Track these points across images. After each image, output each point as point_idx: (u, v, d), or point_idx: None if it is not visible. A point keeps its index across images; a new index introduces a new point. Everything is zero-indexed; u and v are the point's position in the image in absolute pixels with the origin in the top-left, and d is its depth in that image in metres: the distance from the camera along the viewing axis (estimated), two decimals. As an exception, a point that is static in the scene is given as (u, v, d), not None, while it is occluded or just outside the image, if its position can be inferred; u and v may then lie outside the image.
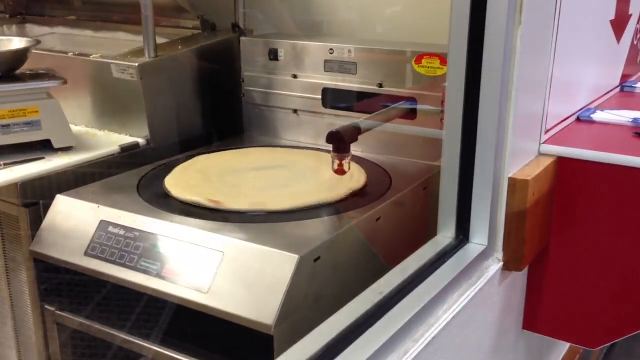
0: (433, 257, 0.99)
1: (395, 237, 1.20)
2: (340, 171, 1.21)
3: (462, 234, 1.04)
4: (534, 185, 1.03)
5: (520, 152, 1.07)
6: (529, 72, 1.03)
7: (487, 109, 0.98)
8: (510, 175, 1.03)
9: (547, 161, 1.11)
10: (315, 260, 0.99)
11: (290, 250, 0.96)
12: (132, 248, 1.08)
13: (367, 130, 1.28)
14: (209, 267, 1.00)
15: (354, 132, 1.23)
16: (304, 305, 0.98)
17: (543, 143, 1.15)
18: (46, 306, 1.20)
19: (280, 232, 1.05)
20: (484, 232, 1.03)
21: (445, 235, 1.06)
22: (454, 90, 1.00)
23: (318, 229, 1.07)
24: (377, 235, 1.15)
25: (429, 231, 1.28)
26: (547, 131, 1.16)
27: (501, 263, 1.05)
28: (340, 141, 1.20)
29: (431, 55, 1.32)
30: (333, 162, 1.21)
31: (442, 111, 1.32)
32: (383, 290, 0.89)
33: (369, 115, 1.33)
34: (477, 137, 1.00)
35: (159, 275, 1.04)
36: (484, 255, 1.03)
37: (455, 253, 1.01)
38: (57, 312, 1.19)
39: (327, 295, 1.02)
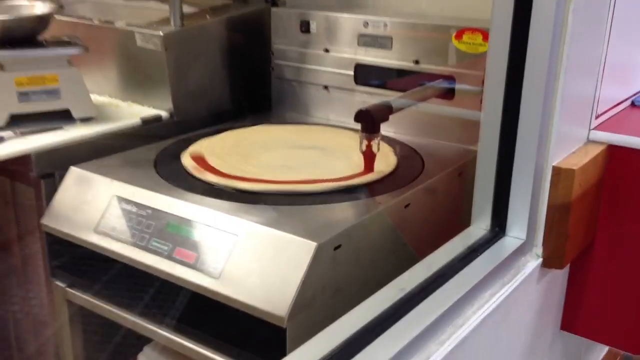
0: (464, 250, 0.91)
1: (426, 226, 1.12)
2: (368, 152, 1.13)
3: (498, 226, 0.96)
4: (580, 176, 0.94)
5: (566, 138, 0.97)
6: (581, 51, 0.93)
7: (532, 90, 0.88)
8: (554, 164, 0.93)
9: (597, 149, 1.01)
10: (336, 248, 0.91)
11: (308, 237, 0.89)
12: (144, 227, 1.02)
13: (400, 109, 1.19)
14: (221, 251, 0.94)
15: (385, 111, 1.15)
16: (321, 298, 0.90)
17: (593, 129, 1.04)
18: (56, 282, 1.16)
19: (300, 216, 0.97)
20: (523, 225, 0.94)
21: (480, 226, 0.97)
22: (495, 68, 0.90)
23: (341, 214, 1.00)
24: (406, 223, 1.07)
25: (462, 221, 1.19)
26: (597, 116, 1.06)
27: (540, 260, 0.95)
28: (369, 120, 1.11)
29: (473, 30, 1.22)
30: (361, 143, 1.12)
31: (482, 91, 1.23)
32: (405, 286, 0.80)
33: (402, 94, 1.24)
34: (520, 121, 0.90)
35: (169, 257, 0.98)
36: (521, 251, 0.94)
37: (489, 247, 0.92)
38: (68, 289, 1.14)
39: (347, 288, 0.95)
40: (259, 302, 0.88)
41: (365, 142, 1.12)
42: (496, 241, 0.94)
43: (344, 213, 1.00)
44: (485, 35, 1.21)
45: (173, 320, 1.01)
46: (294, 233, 0.90)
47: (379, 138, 1.13)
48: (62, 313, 1.18)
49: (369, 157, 1.14)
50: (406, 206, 1.06)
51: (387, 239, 1.03)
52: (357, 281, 0.97)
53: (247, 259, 0.92)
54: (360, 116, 1.11)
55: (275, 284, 0.88)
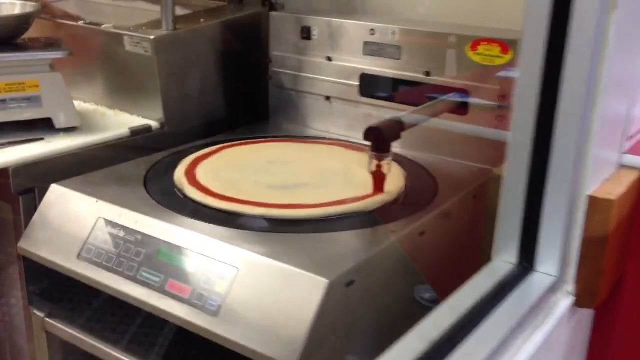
0: (491, 289, 0.81)
1: (441, 256, 1.03)
2: (378, 174, 1.04)
3: (526, 260, 0.86)
4: (618, 207, 0.85)
5: (601, 164, 0.88)
6: (621, 67, 0.85)
7: (569, 110, 0.79)
8: (590, 193, 0.85)
9: (631, 176, 0.92)
10: (349, 285, 0.82)
11: (318, 272, 0.80)
12: (133, 254, 0.92)
13: (412, 126, 1.10)
14: (220, 286, 0.84)
15: (397, 128, 1.05)
16: (332, 340, 0.81)
17: (624, 153, 0.96)
18: (35, 311, 1.05)
19: (307, 247, 0.88)
20: (554, 259, 0.85)
21: (504, 259, 0.88)
22: (526, 85, 0.81)
23: (352, 244, 0.90)
24: (421, 254, 0.98)
25: (479, 250, 1.10)
26: (629, 138, 0.97)
27: (572, 298, 0.87)
28: (380, 139, 1.02)
29: (490, 41, 1.13)
30: (371, 163, 1.03)
31: (499, 107, 1.14)
32: (430, 335, 0.71)
33: (414, 109, 1.15)
34: (554, 144, 0.81)
35: (161, 290, 0.88)
36: (552, 289, 0.85)
37: (518, 285, 0.83)
38: (47, 319, 1.04)
39: (359, 327, 0.85)
40: (262, 346, 0.78)
41: (375, 162, 1.03)
42: (525, 278, 0.85)
43: (355, 243, 0.91)
44: (503, 47, 1.12)
45: (161, 358, 0.92)
46: (302, 267, 0.81)
47: (390, 158, 1.03)
48: (40, 344, 1.08)
49: (379, 179, 1.04)
50: (421, 234, 0.97)
51: (401, 271, 0.94)
52: (370, 319, 0.88)
53: (249, 296, 0.82)
54: (370, 134, 1.02)
55: (281, 325, 0.78)
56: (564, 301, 0.86)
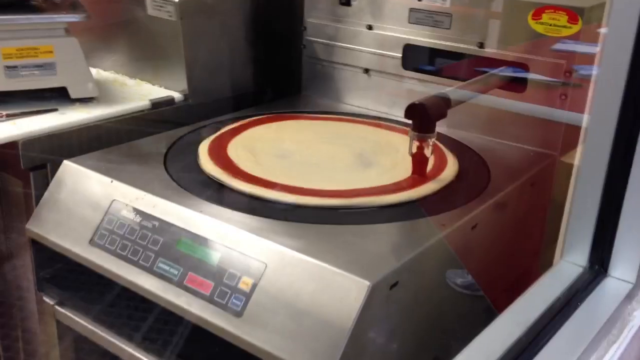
0: (559, 297, 0.70)
1: (495, 253, 0.91)
2: (419, 156, 0.92)
3: (599, 262, 0.75)
4: None
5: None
6: None
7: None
8: (679, 187, 0.72)
9: None
10: (392, 287, 0.71)
11: (359, 273, 0.69)
12: (149, 243, 0.82)
13: (459, 103, 0.98)
14: (245, 283, 0.74)
15: (442, 106, 0.94)
16: (372, 347, 0.71)
17: None
18: (45, 298, 0.97)
19: (345, 241, 0.77)
20: (632, 263, 0.73)
21: (572, 261, 0.76)
22: (614, 59, 0.69)
23: (396, 239, 0.79)
24: (473, 250, 0.86)
25: (538, 246, 0.99)
26: None
27: (651, 309, 0.75)
28: (424, 117, 0.90)
29: (556, 8, 1.00)
30: (411, 144, 0.92)
31: (563, 84, 1.02)
32: (492, 351, 0.60)
33: (461, 84, 1.03)
34: (642, 129, 0.69)
35: (179, 284, 0.78)
36: (628, 297, 0.73)
37: (589, 293, 0.72)
38: (57, 307, 0.95)
39: (401, 331, 0.75)
40: (291, 355, 0.68)
41: (416, 144, 0.92)
42: (597, 284, 0.73)
43: (399, 238, 0.80)
44: (571, 15, 0.99)
45: (178, 357, 0.82)
46: (340, 266, 0.70)
47: (433, 139, 0.92)
48: (51, 333, 0.99)
49: (420, 162, 0.93)
50: (473, 227, 0.86)
51: (450, 270, 0.83)
52: (414, 322, 0.78)
53: (277, 296, 0.72)
54: (412, 111, 0.90)
55: (314, 332, 0.68)
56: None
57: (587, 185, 0.73)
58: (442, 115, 0.93)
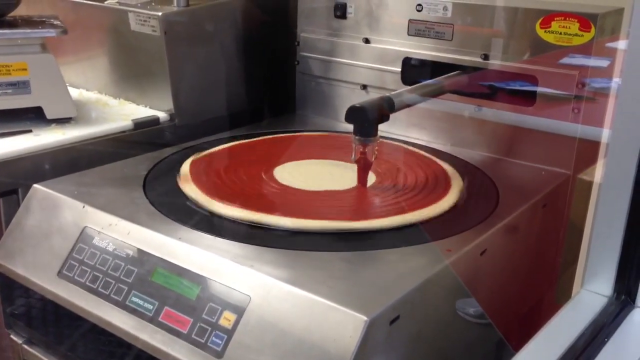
0: (583, 332, 0.62)
1: (506, 280, 0.83)
2: (362, 162, 0.88)
3: (625, 292, 0.67)
4: None
5: None
6: None
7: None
8: None
9: None
10: (393, 321, 0.63)
11: (355, 307, 0.60)
12: (122, 274, 0.74)
13: (406, 106, 0.93)
14: (227, 319, 0.65)
15: (384, 109, 0.89)
16: (371, 392, 0.62)
17: None
18: (12, 336, 0.88)
19: (340, 269, 0.69)
20: (663, 293, 0.65)
21: (595, 290, 0.68)
22: (637, 68, 0.61)
23: (398, 267, 0.71)
24: (482, 278, 0.78)
25: (552, 272, 0.90)
26: None
27: (686, 345, 0.66)
28: (364, 120, 0.86)
29: (566, 15, 0.93)
30: (354, 150, 0.87)
31: (576, 97, 0.94)
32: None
33: (410, 87, 0.98)
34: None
35: (154, 321, 0.69)
36: (661, 332, 0.65)
37: (616, 327, 0.63)
38: (25, 346, 0.87)
39: (406, 375, 0.66)
40: (279, 403, 0.59)
41: (358, 148, 0.86)
42: (625, 317, 0.65)
43: (401, 265, 0.71)
44: (583, 22, 0.91)
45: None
46: (334, 299, 0.62)
47: (376, 143, 0.87)
48: (19, 374, 0.90)
49: (363, 169, 0.89)
50: (482, 253, 0.77)
51: (456, 300, 0.74)
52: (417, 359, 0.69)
53: (263, 333, 0.63)
54: (351, 115, 0.86)
55: (305, 376, 0.59)
56: (675, 349, 0.65)
57: (610, 206, 0.65)
58: (384, 118, 0.88)
